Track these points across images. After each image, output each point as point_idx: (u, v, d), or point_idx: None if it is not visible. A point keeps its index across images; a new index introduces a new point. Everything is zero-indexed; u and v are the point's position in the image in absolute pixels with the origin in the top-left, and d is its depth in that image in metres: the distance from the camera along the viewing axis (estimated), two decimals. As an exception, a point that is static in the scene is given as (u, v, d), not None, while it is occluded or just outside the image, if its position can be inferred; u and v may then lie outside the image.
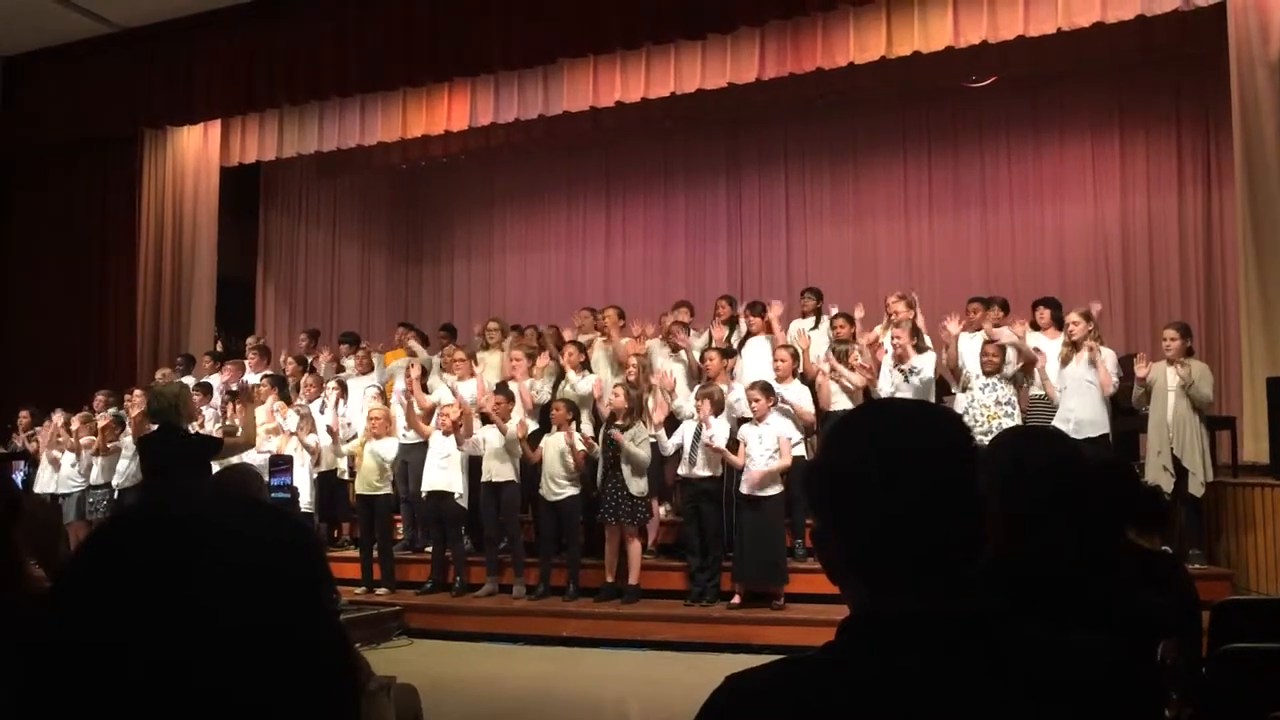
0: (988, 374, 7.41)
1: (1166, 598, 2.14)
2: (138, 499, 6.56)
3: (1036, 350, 7.50)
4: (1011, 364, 7.54)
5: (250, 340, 10.55)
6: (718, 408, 7.56)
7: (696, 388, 7.91)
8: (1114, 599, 1.91)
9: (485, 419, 8.32)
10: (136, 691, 0.68)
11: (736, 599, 7.40)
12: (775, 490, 7.31)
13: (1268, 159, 7.57)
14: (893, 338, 7.93)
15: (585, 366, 8.59)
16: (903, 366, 7.76)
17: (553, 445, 7.91)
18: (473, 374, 8.81)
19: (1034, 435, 2.59)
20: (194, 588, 0.71)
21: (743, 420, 7.68)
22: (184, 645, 0.69)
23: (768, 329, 8.56)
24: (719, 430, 7.46)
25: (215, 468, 5.82)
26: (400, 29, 9.78)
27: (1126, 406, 7.59)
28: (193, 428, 6.70)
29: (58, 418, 9.69)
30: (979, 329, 8.18)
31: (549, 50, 9.41)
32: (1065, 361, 7.42)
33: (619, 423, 7.70)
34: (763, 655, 1.39)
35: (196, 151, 11.59)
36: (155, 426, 5.90)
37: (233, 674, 0.70)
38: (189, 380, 10.22)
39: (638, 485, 7.65)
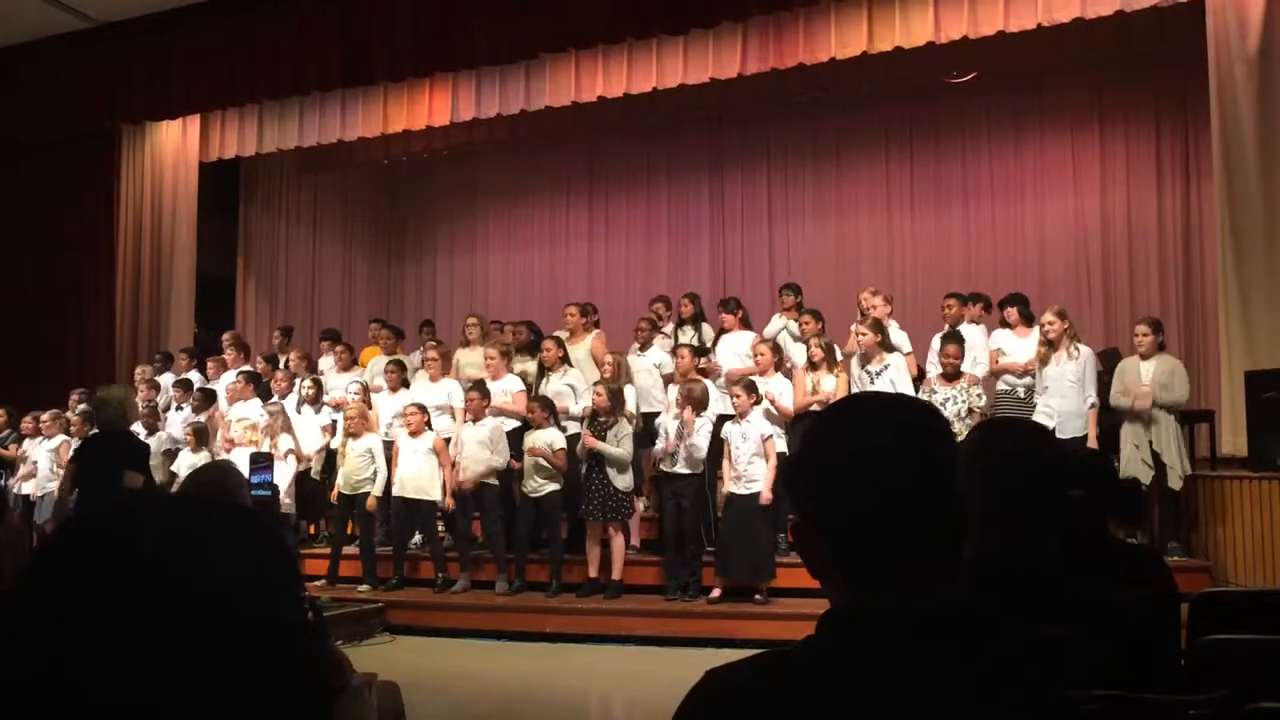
0: (948, 377, 7.39)
1: (1146, 591, 2.15)
2: (86, 500, 6.40)
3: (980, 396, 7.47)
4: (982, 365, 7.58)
5: (226, 336, 10.48)
6: (699, 406, 7.55)
7: (676, 386, 7.89)
8: (1094, 593, 1.91)
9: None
10: (99, 694, 0.67)
11: (716, 593, 7.39)
12: (759, 487, 7.31)
13: (1246, 154, 7.62)
14: (857, 334, 7.90)
15: (564, 362, 8.56)
16: (869, 367, 7.75)
17: (531, 441, 7.90)
18: (446, 373, 8.82)
19: (1009, 427, 2.59)
20: (163, 594, 0.69)
21: (725, 418, 7.71)
22: (154, 645, 0.68)
23: (742, 325, 8.59)
24: (701, 430, 7.45)
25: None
26: (382, 23, 9.72)
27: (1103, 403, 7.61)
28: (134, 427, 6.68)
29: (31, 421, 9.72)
30: (956, 324, 8.22)
31: (531, 45, 9.38)
32: (1044, 361, 7.39)
33: (601, 419, 7.69)
34: (746, 649, 1.39)
35: (175, 147, 11.51)
36: (95, 430, 5.87)
37: (204, 677, 0.68)
38: (169, 377, 10.20)
39: (622, 480, 7.65)
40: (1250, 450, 7.10)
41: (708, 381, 7.94)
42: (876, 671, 1.01)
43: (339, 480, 8.52)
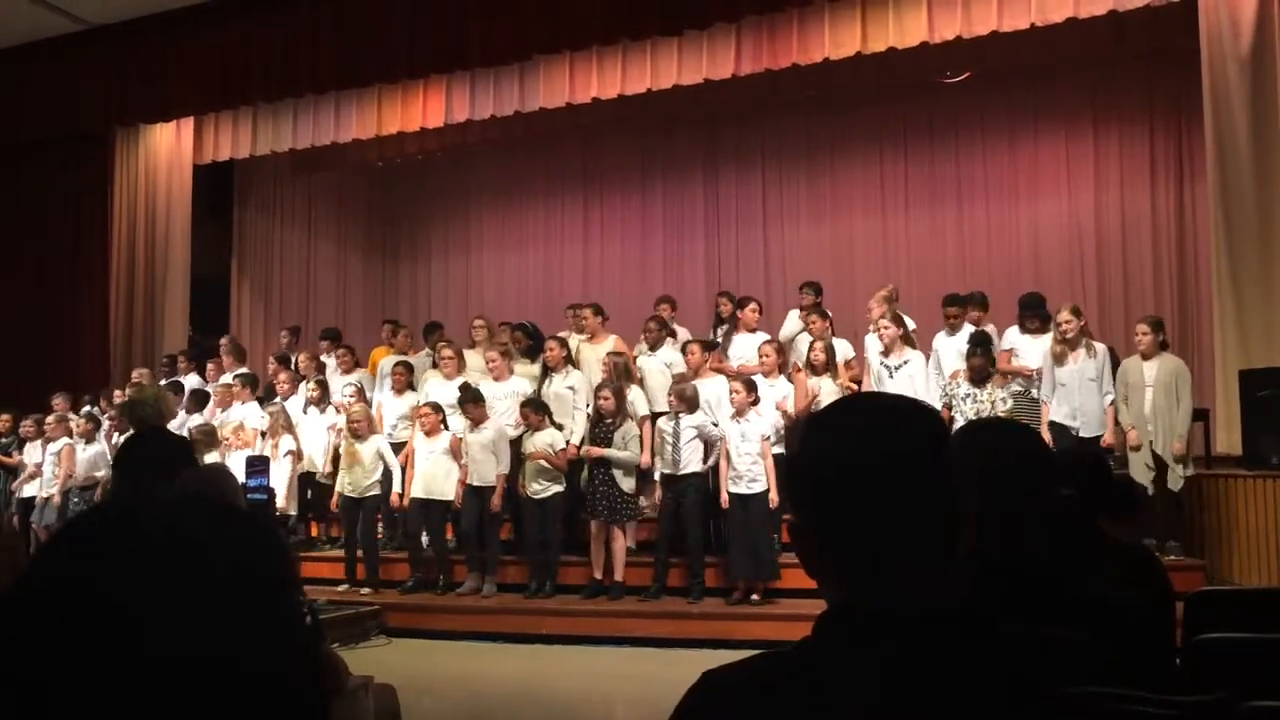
0: (977, 380, 7.34)
1: (1145, 590, 2.16)
2: (109, 499, 6.48)
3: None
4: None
5: (224, 341, 10.44)
6: (690, 405, 7.53)
7: (671, 384, 7.88)
8: (1089, 593, 1.91)
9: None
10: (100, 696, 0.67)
11: (737, 595, 7.33)
12: (762, 488, 7.29)
13: (1239, 153, 7.64)
14: (881, 330, 7.87)
15: (568, 362, 8.54)
16: (888, 361, 7.75)
17: (531, 445, 7.89)
18: (460, 372, 8.77)
19: (997, 428, 2.59)
20: (163, 595, 0.69)
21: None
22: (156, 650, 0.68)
23: (754, 324, 8.64)
24: (685, 431, 7.45)
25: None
26: (376, 25, 9.72)
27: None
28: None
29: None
30: (957, 330, 8.18)
31: (525, 46, 9.38)
32: (1060, 361, 7.27)
33: (607, 421, 7.67)
34: (743, 651, 1.39)
35: (169, 149, 11.49)
36: (133, 431, 5.85)
37: (203, 678, 0.68)
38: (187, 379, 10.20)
39: (628, 483, 7.63)
40: (1245, 448, 7.11)
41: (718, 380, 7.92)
42: (874, 672, 1.01)
43: (343, 484, 8.45)
